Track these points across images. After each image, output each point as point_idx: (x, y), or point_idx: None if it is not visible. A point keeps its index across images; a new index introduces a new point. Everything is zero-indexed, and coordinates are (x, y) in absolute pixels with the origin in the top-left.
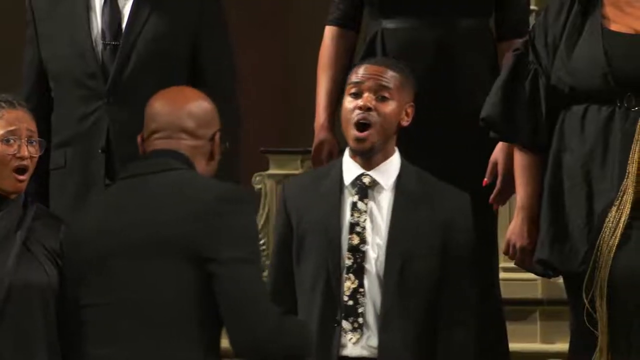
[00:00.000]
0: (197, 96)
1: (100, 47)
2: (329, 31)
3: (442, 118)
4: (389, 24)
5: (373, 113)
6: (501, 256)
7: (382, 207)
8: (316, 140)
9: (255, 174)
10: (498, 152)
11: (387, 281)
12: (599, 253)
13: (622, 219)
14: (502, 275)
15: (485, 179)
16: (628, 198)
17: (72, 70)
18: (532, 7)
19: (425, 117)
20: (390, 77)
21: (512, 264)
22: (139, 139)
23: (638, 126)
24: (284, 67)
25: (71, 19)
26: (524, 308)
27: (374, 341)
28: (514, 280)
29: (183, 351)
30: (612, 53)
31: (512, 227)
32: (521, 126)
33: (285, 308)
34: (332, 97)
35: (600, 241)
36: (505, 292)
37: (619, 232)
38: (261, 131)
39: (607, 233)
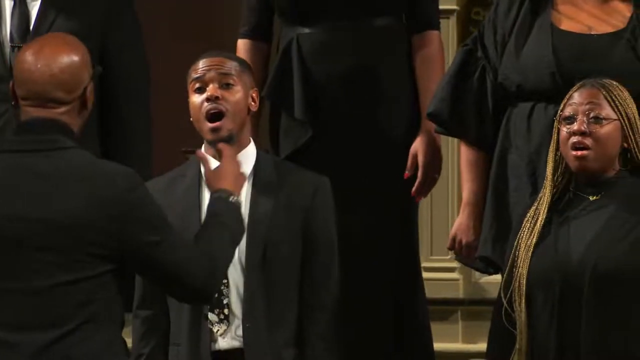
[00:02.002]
0: (62, 51)
1: (8, 49)
2: (242, 44)
3: (360, 116)
4: (303, 30)
5: (221, 102)
6: (422, 256)
7: (241, 196)
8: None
9: None
10: (418, 144)
11: (249, 269)
12: (517, 253)
13: (540, 219)
14: (423, 275)
15: (407, 172)
16: (545, 199)
17: None
18: None
19: (343, 116)
20: (229, 65)
21: (433, 264)
22: (11, 85)
23: (554, 127)
24: None
25: None
26: (446, 308)
27: (241, 330)
28: (436, 280)
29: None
30: (561, 52)
31: (457, 223)
32: (468, 122)
33: (156, 309)
34: None
35: (518, 241)
36: (427, 292)
37: (536, 231)
38: (182, 131)
39: (526, 233)
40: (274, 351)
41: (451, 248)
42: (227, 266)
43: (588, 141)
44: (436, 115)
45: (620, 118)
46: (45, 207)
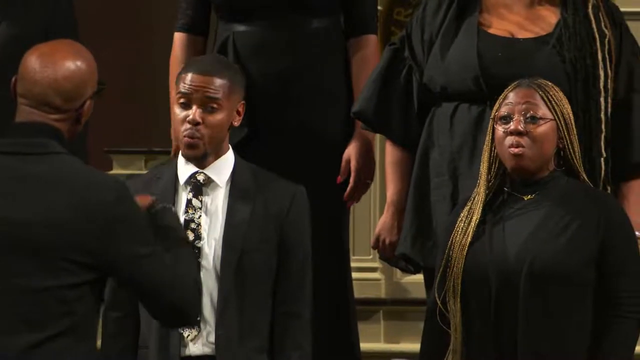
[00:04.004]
0: (71, 59)
1: None
2: (178, 38)
3: (295, 117)
4: (239, 28)
5: (201, 127)
6: None
7: (218, 203)
8: (174, 145)
9: None
10: (351, 149)
11: (223, 275)
12: (451, 252)
13: (474, 218)
14: None
15: (339, 177)
16: (479, 198)
17: None
18: None
19: (278, 116)
20: (217, 86)
21: (355, 264)
22: (13, 81)
23: (489, 127)
24: (129, 68)
25: None
26: (368, 308)
27: (213, 337)
28: (358, 280)
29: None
30: (486, 56)
31: (381, 222)
32: (393, 122)
33: (127, 310)
34: None
35: (452, 240)
36: None
37: (470, 231)
38: (105, 131)
39: (460, 232)
40: (245, 359)
41: (375, 247)
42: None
43: (524, 141)
44: (361, 114)
45: (556, 118)
46: (31, 210)
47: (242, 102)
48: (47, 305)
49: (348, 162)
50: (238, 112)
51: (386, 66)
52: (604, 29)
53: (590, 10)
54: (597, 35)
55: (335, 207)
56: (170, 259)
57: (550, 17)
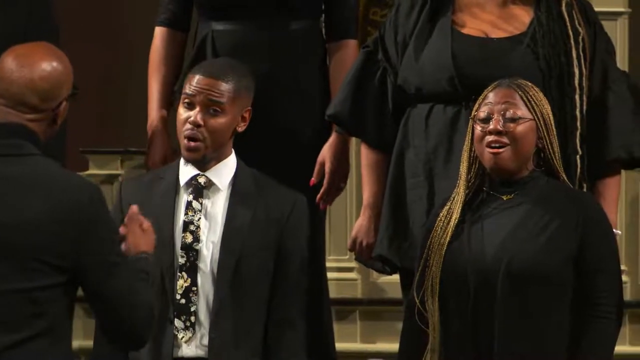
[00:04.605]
0: (48, 61)
1: None
2: (159, 32)
3: (271, 119)
4: (219, 26)
5: (202, 129)
6: None
7: (217, 206)
8: (149, 142)
9: None
10: (326, 151)
11: (220, 279)
12: (430, 252)
13: (453, 218)
14: None
15: (313, 179)
16: (459, 198)
17: None
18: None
19: (255, 116)
20: (222, 90)
21: (331, 264)
22: None
23: (468, 127)
24: (104, 68)
25: None
26: (344, 308)
27: (207, 340)
28: (334, 280)
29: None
30: (460, 56)
31: (358, 224)
32: (368, 124)
33: None
34: (163, 99)
35: (431, 240)
36: None
37: (449, 231)
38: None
39: (439, 232)
40: None
41: (352, 250)
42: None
43: (504, 140)
44: (336, 117)
45: (536, 118)
46: (5, 212)
47: (249, 108)
48: (20, 307)
49: (322, 164)
50: (243, 118)
51: (360, 69)
52: (577, 26)
53: (563, 9)
54: (570, 33)
55: (310, 206)
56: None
57: (523, 16)
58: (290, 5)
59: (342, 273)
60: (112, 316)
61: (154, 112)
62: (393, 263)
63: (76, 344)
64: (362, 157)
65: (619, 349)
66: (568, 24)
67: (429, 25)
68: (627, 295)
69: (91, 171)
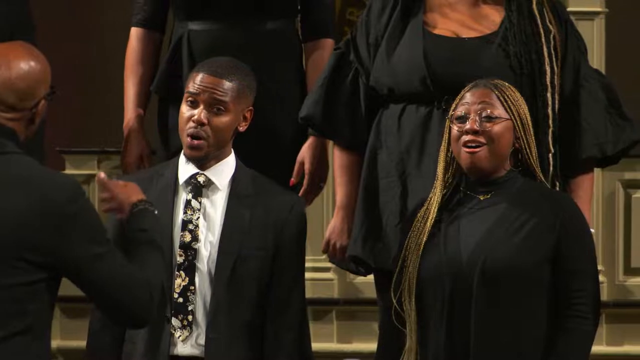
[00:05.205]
0: (25, 60)
1: None
2: (135, 32)
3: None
4: (194, 26)
5: (206, 127)
6: None
7: (216, 206)
8: (125, 141)
9: None
10: (305, 151)
11: (217, 279)
12: (407, 252)
13: (430, 218)
14: None
15: (292, 179)
16: (436, 198)
17: None
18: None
19: None
20: (226, 89)
21: (307, 264)
22: None
23: (445, 127)
24: (82, 68)
25: None
26: (321, 308)
27: (203, 339)
28: (311, 280)
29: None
30: (432, 56)
31: (331, 226)
32: (341, 126)
33: None
34: (140, 99)
35: (409, 240)
36: None
37: (426, 231)
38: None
39: (416, 232)
40: None
41: (325, 251)
42: (161, 291)
43: (480, 139)
44: (309, 119)
45: (513, 118)
46: None
47: (251, 108)
48: (1, 304)
49: (302, 164)
50: (245, 118)
51: (332, 70)
52: (548, 25)
53: (534, 7)
54: (542, 32)
55: None
56: (126, 259)
57: (494, 16)
58: (266, 5)
59: (318, 273)
60: (108, 303)
61: (130, 112)
62: (367, 264)
63: (54, 343)
64: (335, 158)
65: (596, 349)
66: (539, 22)
67: (400, 26)
68: (604, 296)
69: (68, 171)
